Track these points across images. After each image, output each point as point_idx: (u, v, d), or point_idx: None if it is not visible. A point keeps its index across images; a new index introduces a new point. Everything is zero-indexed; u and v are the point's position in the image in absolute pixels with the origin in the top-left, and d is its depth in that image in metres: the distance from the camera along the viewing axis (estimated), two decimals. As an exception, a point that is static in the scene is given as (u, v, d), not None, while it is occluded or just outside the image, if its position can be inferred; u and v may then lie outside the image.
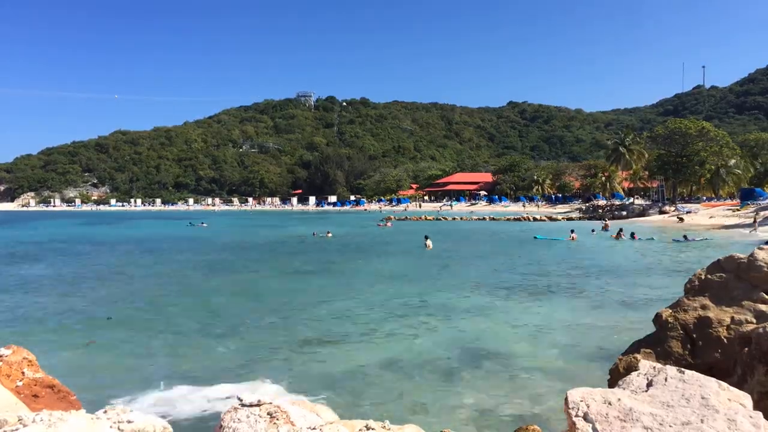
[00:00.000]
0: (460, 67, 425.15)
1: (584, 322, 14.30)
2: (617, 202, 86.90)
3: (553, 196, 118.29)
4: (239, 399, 3.83)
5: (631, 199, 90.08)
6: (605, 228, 48.11)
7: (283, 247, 38.68)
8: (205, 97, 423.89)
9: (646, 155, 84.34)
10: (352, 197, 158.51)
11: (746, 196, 67.57)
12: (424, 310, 16.00)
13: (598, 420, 3.03)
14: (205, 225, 67.44)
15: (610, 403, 3.12)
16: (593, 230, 46.76)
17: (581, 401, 3.16)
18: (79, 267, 27.72)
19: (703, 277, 7.25)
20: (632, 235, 39.08)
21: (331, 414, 4.61)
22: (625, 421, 3.00)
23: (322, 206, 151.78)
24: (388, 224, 64.57)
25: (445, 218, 78.31)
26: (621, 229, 41.10)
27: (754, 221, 44.10)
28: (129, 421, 3.28)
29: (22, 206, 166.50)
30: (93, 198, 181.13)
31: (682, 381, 3.32)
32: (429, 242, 35.04)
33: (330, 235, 46.04)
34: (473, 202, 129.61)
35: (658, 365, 3.72)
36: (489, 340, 12.64)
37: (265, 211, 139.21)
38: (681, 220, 55.68)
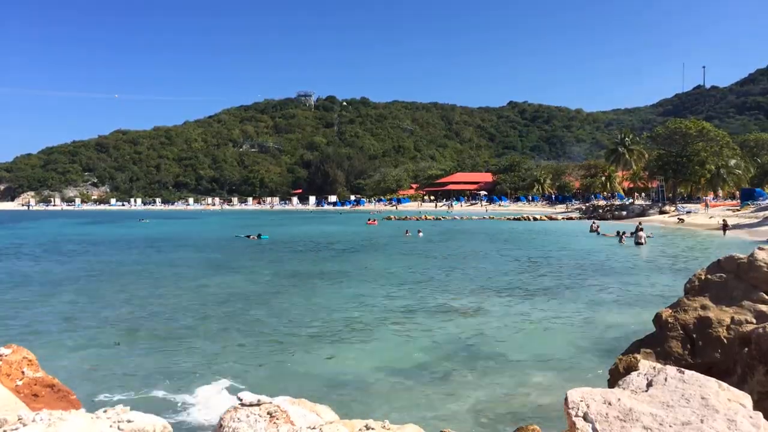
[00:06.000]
0: (460, 67, 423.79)
1: (583, 321, 14.30)
2: (617, 202, 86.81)
3: (553, 196, 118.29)
4: (239, 399, 3.83)
5: (631, 199, 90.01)
6: (593, 229, 46.72)
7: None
8: (205, 96, 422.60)
9: (646, 155, 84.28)
10: (352, 197, 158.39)
11: (746, 197, 67.62)
12: (423, 310, 15.99)
13: (598, 420, 3.02)
14: (147, 221, 78.18)
15: (609, 403, 3.12)
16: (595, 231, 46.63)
17: (581, 401, 3.16)
18: (79, 267, 27.71)
19: (702, 277, 7.24)
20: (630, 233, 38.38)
21: (331, 413, 4.61)
22: (624, 421, 2.99)
23: (322, 206, 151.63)
24: (374, 222, 67.89)
25: (445, 218, 78.44)
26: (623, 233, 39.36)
27: None
28: (129, 421, 3.28)
29: (23, 205, 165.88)
30: (93, 197, 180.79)
31: (682, 381, 3.32)
32: (421, 234, 36.89)
33: (254, 238, 42.77)
34: (473, 202, 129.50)
35: (658, 365, 3.72)
36: (488, 341, 12.64)
37: (265, 211, 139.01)
38: (681, 221, 55.67)
